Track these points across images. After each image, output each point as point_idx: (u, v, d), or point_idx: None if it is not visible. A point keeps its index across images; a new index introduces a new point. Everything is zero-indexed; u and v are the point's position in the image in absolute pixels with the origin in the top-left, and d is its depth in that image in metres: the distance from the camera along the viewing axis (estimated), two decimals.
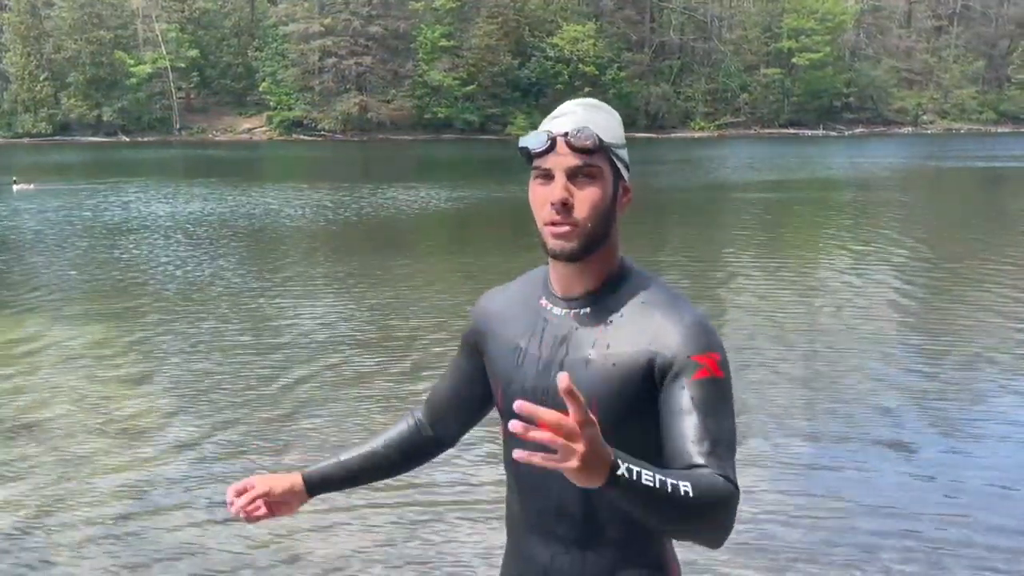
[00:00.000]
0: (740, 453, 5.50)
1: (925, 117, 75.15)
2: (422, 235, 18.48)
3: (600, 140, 1.63)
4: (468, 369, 1.91)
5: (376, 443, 1.99)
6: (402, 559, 4.62)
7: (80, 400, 7.18)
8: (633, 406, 1.63)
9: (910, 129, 72.44)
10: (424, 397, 2.03)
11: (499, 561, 1.94)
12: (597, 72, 66.41)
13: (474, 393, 1.91)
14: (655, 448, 1.61)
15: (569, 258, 1.65)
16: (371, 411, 6.85)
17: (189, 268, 13.33)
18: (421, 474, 5.62)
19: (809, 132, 68.65)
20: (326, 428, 6.49)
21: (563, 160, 1.63)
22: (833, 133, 69.08)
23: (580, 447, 1.31)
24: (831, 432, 6.41)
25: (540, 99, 66.17)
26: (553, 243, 1.64)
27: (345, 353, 8.55)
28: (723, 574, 4.44)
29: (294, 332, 9.37)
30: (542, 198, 1.65)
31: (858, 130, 70.71)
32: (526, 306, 1.78)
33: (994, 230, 17.71)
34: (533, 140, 1.65)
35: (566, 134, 1.62)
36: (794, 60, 71.06)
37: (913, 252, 14.77)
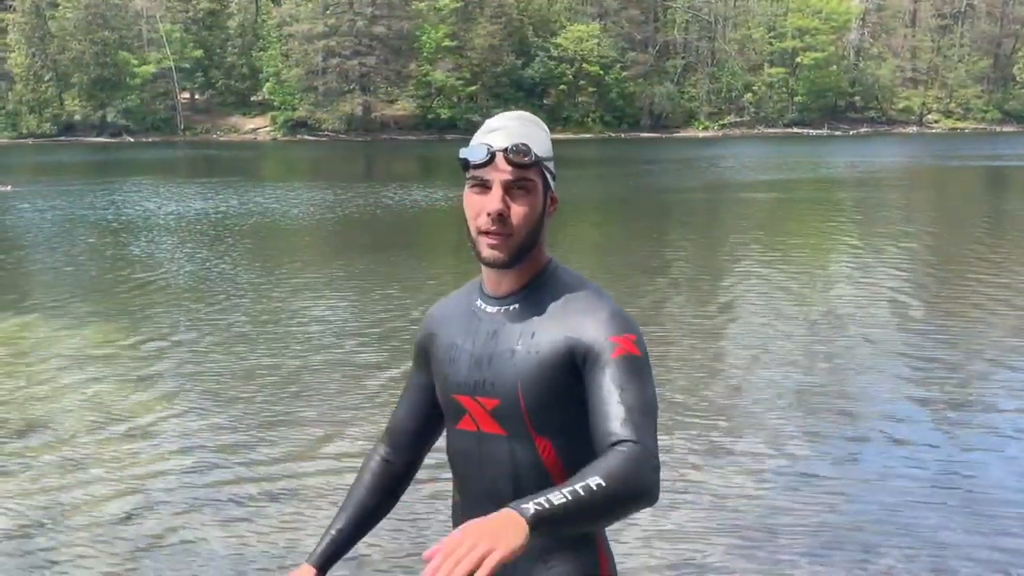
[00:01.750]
0: (743, 453, 5.46)
1: (930, 116, 74.98)
2: (425, 234, 18.48)
3: (536, 156, 1.75)
4: (424, 381, 1.99)
5: (359, 497, 2.04)
6: (404, 555, 4.61)
7: (84, 399, 7.18)
8: (555, 390, 1.75)
9: (915, 128, 72.27)
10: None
11: None
12: (601, 72, 66.33)
13: (434, 405, 1.98)
14: (578, 428, 1.75)
15: (501, 265, 1.79)
16: (377, 408, 6.84)
17: (193, 266, 13.33)
18: (433, 470, 5.61)
19: (814, 132, 68.49)
20: (332, 426, 6.49)
21: (501, 173, 1.74)
22: (838, 133, 68.92)
23: (479, 548, 1.38)
24: (836, 431, 6.40)
25: (544, 99, 66.15)
26: (487, 252, 1.77)
27: (352, 351, 8.55)
28: (727, 574, 4.42)
29: (300, 330, 9.37)
30: (478, 207, 1.76)
31: (863, 129, 70.54)
32: (464, 309, 1.92)
33: (1001, 229, 17.67)
34: (473, 152, 1.75)
35: (506, 149, 1.73)
36: (798, 59, 70.94)
37: (919, 250, 14.75)
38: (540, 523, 1.44)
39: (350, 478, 5.73)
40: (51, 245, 15.87)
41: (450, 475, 1.98)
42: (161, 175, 32.46)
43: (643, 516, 4.82)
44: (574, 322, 1.75)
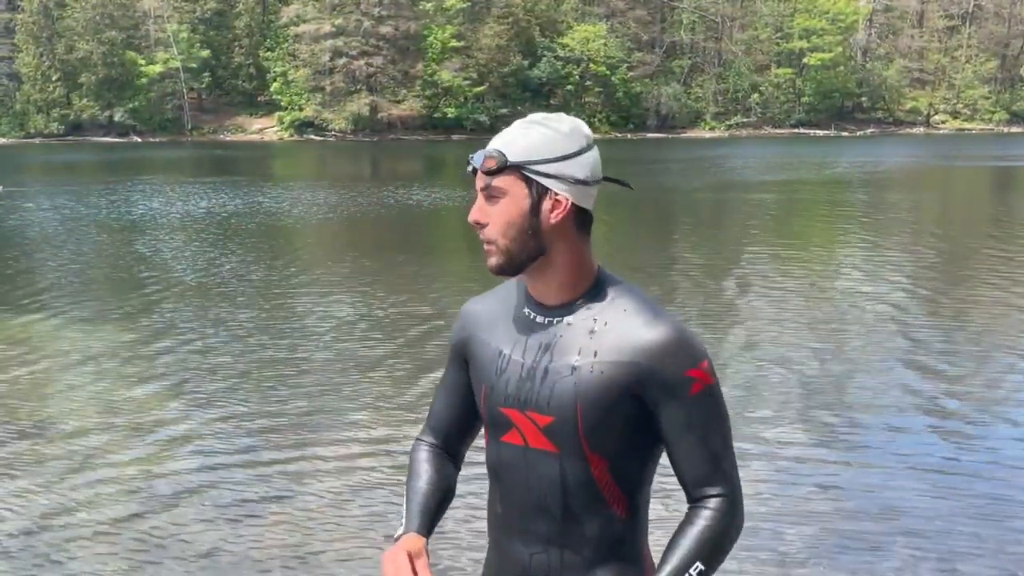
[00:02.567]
0: (752, 454, 5.44)
1: (937, 117, 74.82)
2: (431, 233, 18.48)
3: (504, 160, 1.68)
4: (463, 380, 1.92)
5: (431, 478, 1.91)
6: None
7: (91, 397, 7.20)
8: (615, 411, 1.69)
9: (922, 129, 72.13)
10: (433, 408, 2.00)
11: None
12: (608, 72, 66.31)
13: (474, 402, 1.90)
14: (631, 447, 1.73)
15: (499, 273, 1.74)
16: (388, 406, 6.85)
17: (200, 265, 13.34)
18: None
19: (820, 132, 68.37)
20: (342, 425, 6.50)
21: (478, 181, 1.72)
22: (844, 133, 68.81)
23: None
24: (844, 432, 6.39)
25: (550, 99, 66.08)
26: (486, 261, 1.75)
27: (361, 349, 8.55)
28: (733, 573, 4.42)
29: (308, 328, 9.38)
30: None
31: (869, 130, 70.43)
32: (509, 314, 1.84)
33: (1010, 228, 17.61)
34: (467, 167, 1.74)
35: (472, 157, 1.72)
36: (805, 60, 70.83)
37: (929, 250, 14.71)
38: None
39: (360, 476, 5.75)
40: (59, 244, 15.90)
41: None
42: (168, 175, 32.51)
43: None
44: (642, 345, 1.68)
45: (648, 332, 1.68)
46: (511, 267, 1.73)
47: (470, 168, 1.72)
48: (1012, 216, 20.31)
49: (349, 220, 19.68)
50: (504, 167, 1.68)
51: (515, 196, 1.70)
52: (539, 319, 1.78)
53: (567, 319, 1.75)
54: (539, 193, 1.70)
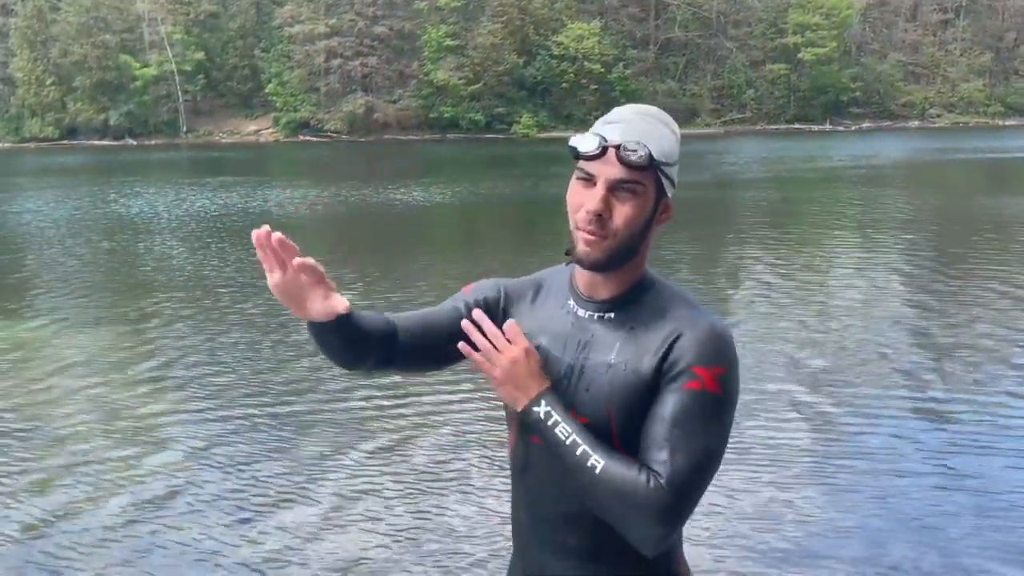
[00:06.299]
0: (746, 449, 5.42)
1: (932, 111, 74.81)
2: (429, 233, 18.47)
3: (652, 157, 1.60)
4: (449, 323, 1.78)
5: (361, 315, 1.79)
6: (417, 561, 4.62)
7: (90, 402, 7.20)
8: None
9: (917, 123, 72.13)
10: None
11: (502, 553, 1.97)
12: (603, 70, 66.31)
13: (449, 345, 1.72)
14: None
15: (592, 267, 1.66)
16: (389, 409, 6.85)
17: (199, 268, 13.33)
18: (434, 473, 5.63)
19: (816, 127, 68.38)
20: (342, 428, 6.50)
21: (609, 170, 1.61)
22: (840, 128, 68.78)
23: (503, 359, 1.62)
24: (842, 427, 6.40)
25: (546, 98, 66.10)
26: (581, 249, 1.64)
27: None
28: (731, 570, 4.43)
29: (307, 332, 9.37)
30: (579, 201, 1.64)
31: (865, 124, 70.41)
32: (554, 305, 1.77)
33: (1008, 223, 17.62)
34: (584, 143, 1.62)
35: (619, 146, 1.59)
36: (800, 56, 70.84)
37: (928, 245, 14.71)
38: (531, 422, 1.61)
39: (361, 481, 5.75)
40: (57, 248, 15.87)
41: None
42: (164, 177, 32.46)
43: None
44: (671, 342, 1.61)
45: (679, 328, 1.62)
46: (611, 264, 1.65)
47: (598, 147, 1.60)
48: (1006, 210, 20.30)
49: (346, 220, 19.67)
50: (649, 165, 1.61)
51: (648, 195, 1.63)
52: (581, 312, 1.72)
53: (609, 315, 1.69)
54: (660, 195, 1.66)
